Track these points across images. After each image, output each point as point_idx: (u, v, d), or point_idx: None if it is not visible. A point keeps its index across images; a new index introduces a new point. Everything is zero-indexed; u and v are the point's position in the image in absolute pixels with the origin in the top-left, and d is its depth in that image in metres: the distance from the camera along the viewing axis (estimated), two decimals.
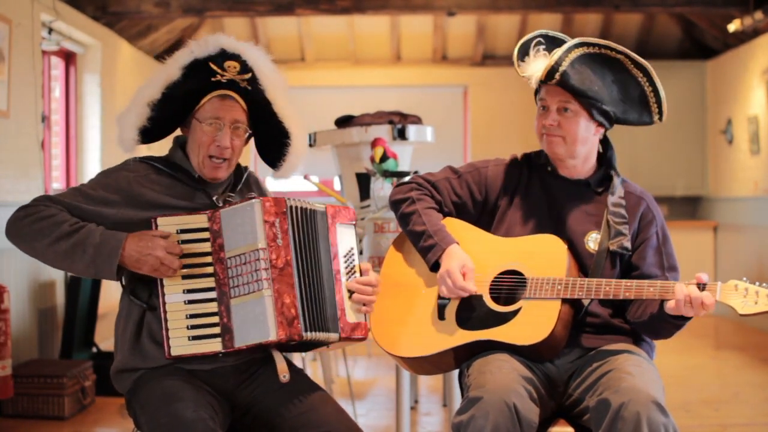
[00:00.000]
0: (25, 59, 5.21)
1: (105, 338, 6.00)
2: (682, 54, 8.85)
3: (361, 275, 2.33)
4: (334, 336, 2.24)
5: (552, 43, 2.44)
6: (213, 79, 2.25)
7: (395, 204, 2.54)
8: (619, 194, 2.41)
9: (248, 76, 2.27)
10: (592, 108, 2.35)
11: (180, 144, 2.36)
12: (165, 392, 2.11)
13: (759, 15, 6.48)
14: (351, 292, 2.30)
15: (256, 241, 2.15)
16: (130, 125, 2.25)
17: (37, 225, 2.14)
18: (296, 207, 2.22)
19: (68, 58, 6.46)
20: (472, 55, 9.00)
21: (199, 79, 2.25)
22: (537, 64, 2.40)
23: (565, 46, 2.34)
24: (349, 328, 2.26)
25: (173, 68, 2.25)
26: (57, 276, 5.52)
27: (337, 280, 2.27)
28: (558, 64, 2.32)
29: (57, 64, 6.32)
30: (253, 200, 2.18)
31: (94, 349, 5.47)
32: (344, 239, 2.32)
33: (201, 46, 2.25)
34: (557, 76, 2.32)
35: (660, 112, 2.40)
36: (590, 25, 8.62)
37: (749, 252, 7.71)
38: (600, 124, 2.40)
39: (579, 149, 2.40)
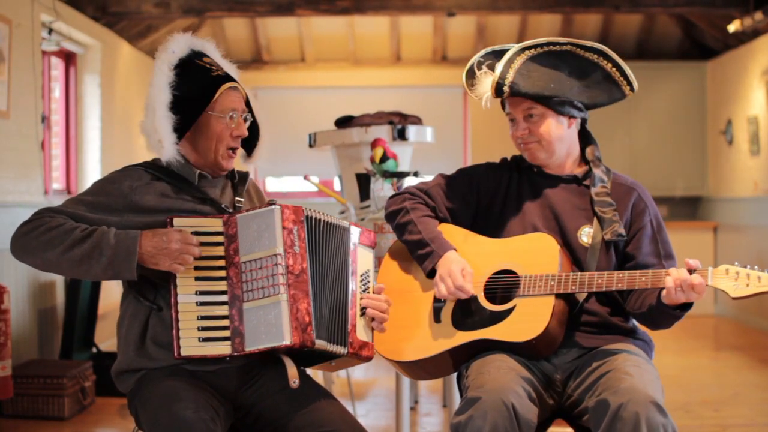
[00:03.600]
0: (25, 60, 5.21)
1: (105, 338, 6.00)
2: (682, 54, 8.85)
3: None
4: (342, 349, 2.24)
5: (500, 56, 2.47)
6: (213, 74, 2.28)
7: (390, 216, 2.56)
8: (601, 183, 2.43)
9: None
10: (555, 105, 2.39)
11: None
12: (166, 392, 2.11)
13: (759, 15, 6.48)
14: (363, 310, 2.31)
15: (274, 246, 2.15)
16: (165, 130, 2.23)
17: (45, 236, 2.12)
18: (313, 217, 2.24)
19: (68, 58, 6.46)
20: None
21: (202, 76, 2.27)
22: (485, 84, 2.44)
23: (505, 58, 2.39)
24: (357, 344, 2.27)
25: (165, 71, 2.25)
26: (57, 276, 5.52)
27: (353, 295, 2.29)
28: (503, 77, 2.37)
29: (57, 65, 6.32)
30: (273, 206, 2.18)
31: (94, 350, 5.48)
32: (363, 260, 2.35)
33: (177, 45, 2.29)
34: (506, 89, 2.37)
35: (629, 83, 2.45)
36: (590, 26, 8.63)
37: (749, 252, 7.71)
38: (571, 117, 2.43)
39: (558, 147, 2.44)
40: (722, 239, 8.40)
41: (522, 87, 2.36)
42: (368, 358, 2.32)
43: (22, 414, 4.60)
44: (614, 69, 2.43)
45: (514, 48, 2.40)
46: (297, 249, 2.18)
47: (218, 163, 2.30)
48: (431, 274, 2.43)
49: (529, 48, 2.40)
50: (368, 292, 2.35)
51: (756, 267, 2.14)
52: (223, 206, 2.31)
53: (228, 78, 2.30)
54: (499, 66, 2.38)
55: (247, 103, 2.37)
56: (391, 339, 2.43)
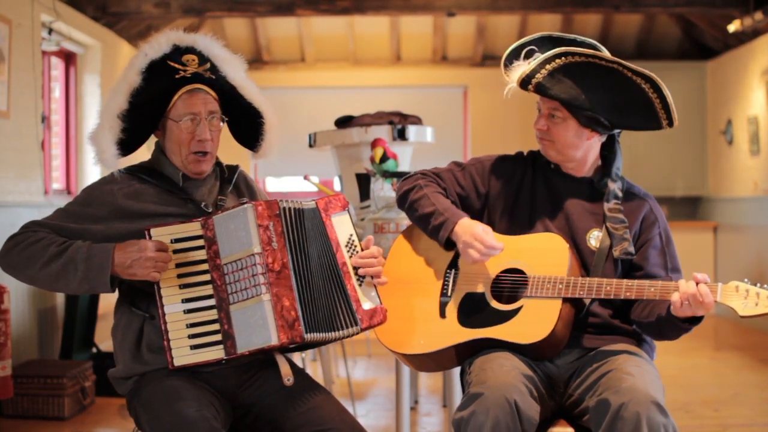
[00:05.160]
0: (25, 59, 5.21)
1: (105, 338, 6.00)
2: (682, 54, 8.85)
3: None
4: (355, 329, 2.21)
5: (551, 44, 2.43)
6: (177, 76, 2.23)
7: (403, 195, 2.53)
8: (615, 199, 2.41)
9: (208, 66, 2.27)
10: (580, 115, 2.35)
11: (159, 147, 2.35)
12: (167, 392, 2.11)
13: (759, 15, 6.48)
14: (359, 277, 2.25)
15: (251, 246, 2.13)
16: (107, 141, 2.22)
17: (26, 252, 2.15)
18: (289, 209, 2.20)
19: (68, 58, 6.46)
20: (471, 56, 9.00)
21: (163, 80, 2.23)
22: (516, 74, 2.40)
23: (543, 57, 2.34)
24: (367, 317, 2.22)
25: (132, 75, 2.23)
26: None
27: (345, 272, 2.23)
28: (532, 74, 2.34)
29: (57, 65, 6.32)
30: (246, 205, 2.16)
31: (94, 350, 5.47)
32: (342, 228, 2.28)
33: (153, 46, 2.25)
34: (531, 87, 2.34)
35: (669, 118, 2.36)
36: (590, 26, 8.62)
37: (749, 252, 7.71)
38: (593, 130, 2.38)
39: (571, 153, 2.41)
40: (722, 239, 8.40)
41: (549, 89, 2.33)
42: (382, 323, 2.26)
43: (22, 414, 4.60)
44: (657, 99, 2.34)
45: (559, 49, 2.34)
46: (275, 245, 2.15)
47: (186, 166, 2.29)
48: (448, 245, 2.42)
49: (571, 55, 2.33)
50: (357, 252, 2.28)
51: (766, 286, 2.11)
52: (203, 206, 2.29)
53: (193, 79, 2.24)
54: (534, 62, 2.35)
55: (235, 99, 2.32)
56: (396, 330, 2.42)
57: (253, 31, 8.63)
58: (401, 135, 4.07)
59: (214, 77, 2.28)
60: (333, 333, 2.20)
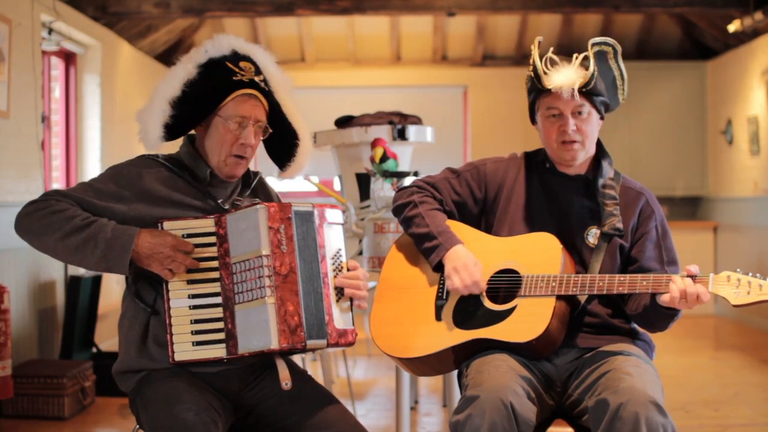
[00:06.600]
0: (25, 59, 5.21)
1: (105, 338, 6.00)
2: (682, 54, 8.85)
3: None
4: (321, 342, 2.18)
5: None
6: (235, 78, 2.25)
7: (398, 209, 2.54)
8: (609, 176, 2.44)
9: (261, 77, 2.29)
10: (597, 103, 2.39)
11: (191, 142, 2.36)
12: (167, 393, 2.11)
13: (759, 15, 6.48)
14: (339, 293, 2.25)
15: (259, 248, 2.13)
16: (155, 122, 2.23)
17: (47, 219, 2.13)
18: (301, 211, 2.20)
19: (68, 58, 6.46)
20: (471, 56, 9.00)
21: (220, 78, 2.25)
22: (564, 73, 2.35)
23: (589, 52, 2.35)
24: (336, 334, 2.20)
25: (190, 67, 2.25)
26: (57, 276, 5.53)
27: (325, 284, 2.21)
28: (594, 71, 2.34)
29: (57, 65, 6.32)
30: (258, 206, 2.16)
31: (94, 349, 5.48)
32: (332, 240, 2.27)
33: (215, 45, 2.28)
34: (593, 82, 2.35)
35: (624, 89, 2.44)
36: (590, 26, 8.62)
37: (749, 252, 7.71)
38: (602, 117, 2.44)
39: (593, 147, 2.45)
40: (722, 239, 8.40)
41: (597, 86, 2.36)
42: (350, 344, 2.24)
43: (22, 414, 4.60)
44: (620, 76, 2.40)
45: (589, 44, 2.37)
46: (284, 248, 2.15)
47: (221, 168, 2.29)
48: (438, 267, 2.42)
49: (594, 45, 2.37)
50: (342, 272, 2.27)
51: (758, 275, 2.12)
52: (219, 201, 2.29)
53: (250, 85, 2.26)
54: (590, 60, 2.35)
55: (277, 115, 2.33)
56: (392, 335, 2.42)
57: (253, 31, 8.63)
58: (401, 135, 4.07)
59: (267, 89, 2.30)
60: (315, 342, 2.18)
